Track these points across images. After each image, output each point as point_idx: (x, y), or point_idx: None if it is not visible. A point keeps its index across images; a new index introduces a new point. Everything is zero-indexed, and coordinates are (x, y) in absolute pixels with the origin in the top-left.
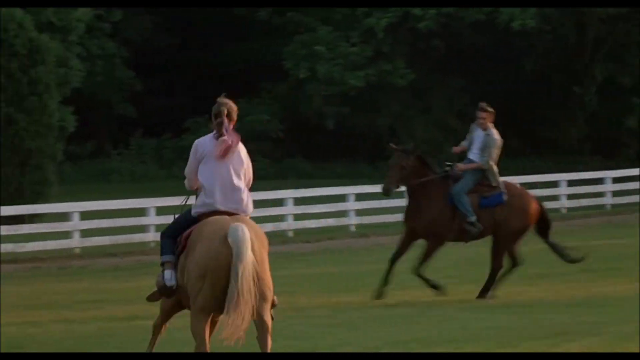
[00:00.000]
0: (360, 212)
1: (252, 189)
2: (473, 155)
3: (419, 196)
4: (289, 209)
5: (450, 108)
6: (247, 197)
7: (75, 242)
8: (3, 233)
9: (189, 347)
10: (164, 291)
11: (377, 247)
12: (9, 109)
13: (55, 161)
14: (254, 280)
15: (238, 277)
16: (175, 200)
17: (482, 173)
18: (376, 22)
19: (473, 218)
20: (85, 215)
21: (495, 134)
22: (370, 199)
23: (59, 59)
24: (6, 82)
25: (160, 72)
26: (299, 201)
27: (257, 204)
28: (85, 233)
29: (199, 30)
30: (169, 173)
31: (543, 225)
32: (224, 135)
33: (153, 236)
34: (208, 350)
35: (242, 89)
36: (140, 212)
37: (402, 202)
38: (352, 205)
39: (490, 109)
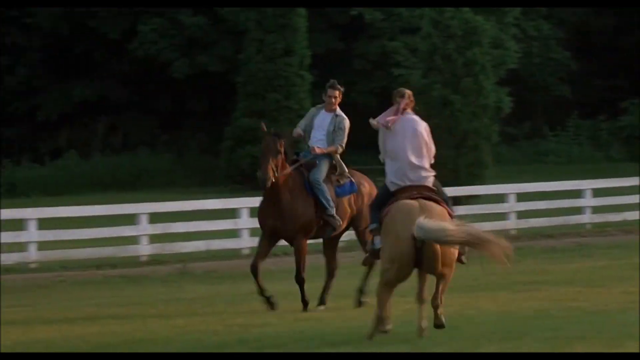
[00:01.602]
0: None
1: None
2: (317, 140)
3: (279, 190)
4: None
5: None
6: (427, 172)
7: (512, 223)
8: None
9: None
10: (374, 254)
11: None
12: (445, 90)
13: (491, 142)
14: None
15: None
16: (611, 182)
17: (331, 159)
18: None
19: (333, 210)
20: (521, 197)
21: (344, 115)
22: None
23: (494, 40)
24: (442, 63)
25: (597, 53)
26: None
27: None
28: (522, 214)
29: (637, 12)
30: (605, 155)
31: None
32: (397, 114)
33: (589, 218)
34: (388, 314)
35: None
36: (576, 193)
37: None
38: None
39: (341, 88)
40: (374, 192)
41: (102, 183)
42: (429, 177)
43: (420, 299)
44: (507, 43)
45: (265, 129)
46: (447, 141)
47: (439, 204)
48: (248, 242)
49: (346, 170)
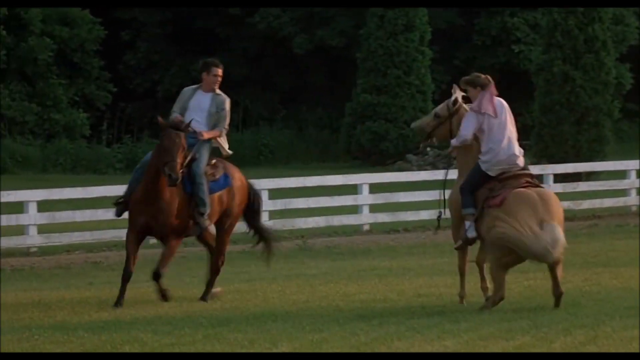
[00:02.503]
0: None
1: None
2: (198, 123)
3: (162, 186)
4: None
5: None
6: (520, 152)
7: (633, 199)
8: (560, 190)
9: None
10: (466, 241)
11: None
12: (566, 66)
13: (612, 119)
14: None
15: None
16: None
17: (211, 146)
18: None
19: (208, 210)
20: None
21: (225, 95)
22: None
23: (615, 16)
24: (563, 40)
25: None
26: None
27: None
28: None
29: None
30: None
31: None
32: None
33: None
34: (504, 294)
35: None
36: None
37: None
38: None
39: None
40: (244, 184)
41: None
42: (521, 159)
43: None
44: (628, 19)
45: (162, 121)
46: (567, 117)
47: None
48: (369, 218)
49: (226, 152)
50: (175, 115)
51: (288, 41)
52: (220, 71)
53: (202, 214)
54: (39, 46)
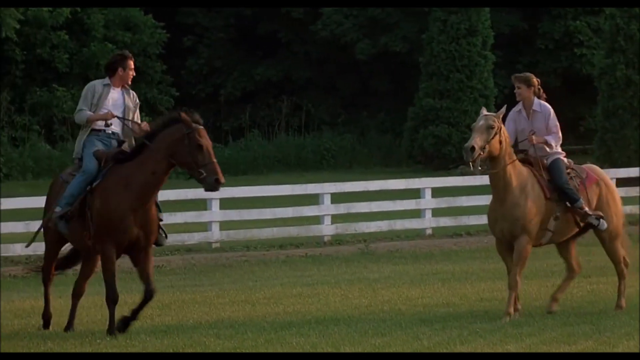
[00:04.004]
0: None
1: None
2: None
3: (153, 190)
4: None
5: None
6: None
7: None
8: (623, 194)
9: None
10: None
11: None
12: (629, 71)
13: None
14: None
15: None
16: None
17: None
18: None
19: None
20: None
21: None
22: None
23: None
24: (626, 44)
25: None
26: None
27: None
28: None
29: None
30: None
31: None
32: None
33: None
34: None
35: None
36: None
37: None
38: None
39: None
40: None
41: (285, 163)
42: None
43: None
44: None
45: (187, 117)
46: (630, 122)
47: None
48: (431, 223)
49: None
50: (86, 113)
51: (351, 47)
52: (130, 63)
53: (161, 220)
54: (101, 51)
